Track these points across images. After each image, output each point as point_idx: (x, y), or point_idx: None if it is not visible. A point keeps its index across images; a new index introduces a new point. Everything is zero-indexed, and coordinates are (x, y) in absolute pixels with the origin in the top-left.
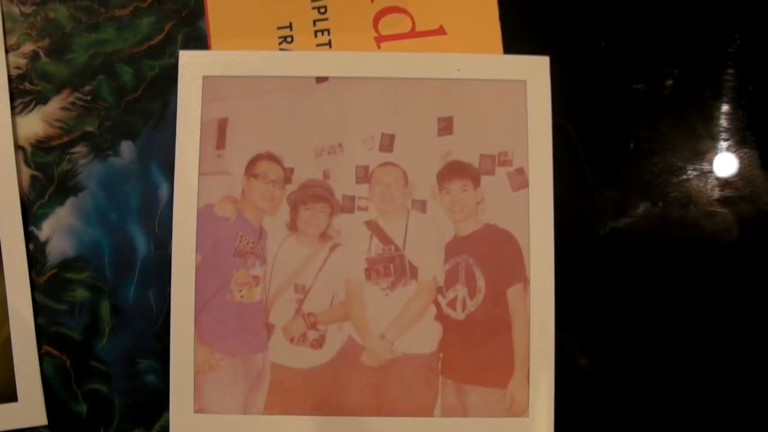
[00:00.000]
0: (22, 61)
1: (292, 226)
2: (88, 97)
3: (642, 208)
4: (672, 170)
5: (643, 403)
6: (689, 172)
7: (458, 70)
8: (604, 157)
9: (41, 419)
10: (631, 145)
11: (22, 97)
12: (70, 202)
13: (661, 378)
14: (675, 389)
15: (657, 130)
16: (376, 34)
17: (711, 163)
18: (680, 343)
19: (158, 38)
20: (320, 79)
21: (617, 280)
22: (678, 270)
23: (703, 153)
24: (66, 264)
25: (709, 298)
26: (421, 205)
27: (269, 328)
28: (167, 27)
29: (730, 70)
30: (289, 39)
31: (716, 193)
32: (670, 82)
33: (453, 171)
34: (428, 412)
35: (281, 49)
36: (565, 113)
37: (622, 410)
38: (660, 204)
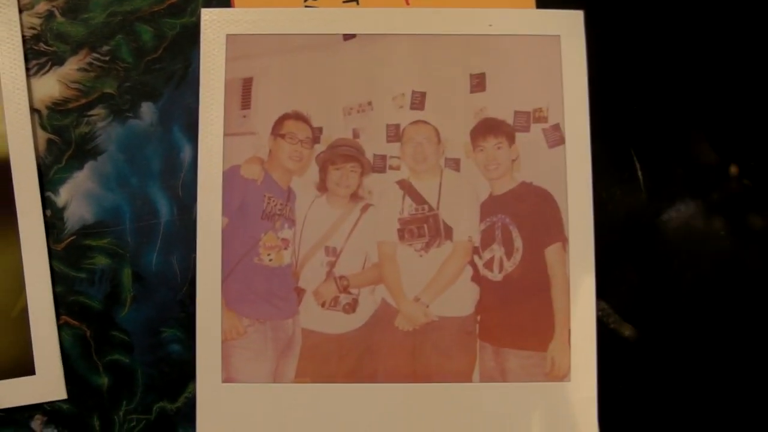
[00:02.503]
0: (37, 21)
1: (322, 187)
2: (107, 58)
3: (684, 166)
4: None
5: (689, 373)
6: (734, 126)
7: (490, 25)
8: (641, 115)
9: (60, 393)
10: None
11: (37, 58)
12: (89, 166)
13: (710, 348)
14: (722, 359)
15: (697, 86)
16: None
17: (756, 114)
18: (730, 309)
19: None
20: (348, 37)
21: (658, 240)
22: (723, 232)
23: (750, 102)
24: (85, 230)
25: (765, 262)
26: (455, 164)
27: (299, 292)
28: None
29: None
30: None
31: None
32: (711, 35)
33: (487, 128)
34: (466, 378)
35: (307, 6)
36: (600, 71)
37: (666, 380)
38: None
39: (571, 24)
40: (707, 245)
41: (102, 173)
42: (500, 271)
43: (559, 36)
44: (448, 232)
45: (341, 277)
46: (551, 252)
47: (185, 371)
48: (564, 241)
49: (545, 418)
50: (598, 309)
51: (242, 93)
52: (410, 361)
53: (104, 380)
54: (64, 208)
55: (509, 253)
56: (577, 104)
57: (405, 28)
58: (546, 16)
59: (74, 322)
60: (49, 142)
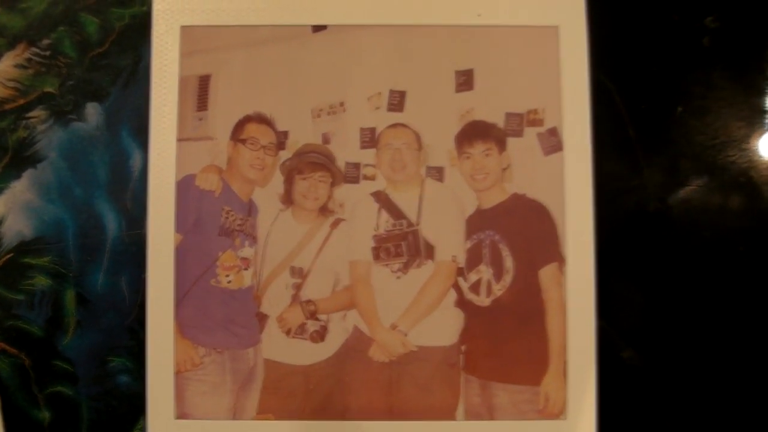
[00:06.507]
0: None
1: (287, 199)
2: (47, 53)
3: (695, 175)
4: (730, 131)
5: (697, 401)
6: (750, 132)
7: (479, 14)
8: (650, 117)
9: None
10: (679, 109)
11: None
12: (28, 175)
13: (720, 373)
14: (734, 385)
15: (712, 85)
16: None
17: None
18: (741, 332)
19: None
20: (317, 28)
21: (668, 259)
22: (738, 248)
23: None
24: (23, 247)
25: None
26: (438, 173)
27: (261, 318)
28: None
29: None
30: None
31: None
32: (724, 29)
33: (474, 132)
34: (449, 415)
35: None
36: (603, 66)
37: (674, 410)
38: (716, 171)
39: (571, 13)
40: (724, 258)
41: (42, 183)
42: (488, 295)
43: (557, 27)
44: (430, 251)
45: (308, 302)
46: (546, 273)
47: (135, 405)
48: (561, 261)
49: None
50: (598, 334)
51: (198, 92)
52: (386, 396)
53: (45, 415)
54: None
55: (498, 275)
56: (577, 105)
57: (382, 17)
58: (542, 4)
59: (12, 349)
60: None
